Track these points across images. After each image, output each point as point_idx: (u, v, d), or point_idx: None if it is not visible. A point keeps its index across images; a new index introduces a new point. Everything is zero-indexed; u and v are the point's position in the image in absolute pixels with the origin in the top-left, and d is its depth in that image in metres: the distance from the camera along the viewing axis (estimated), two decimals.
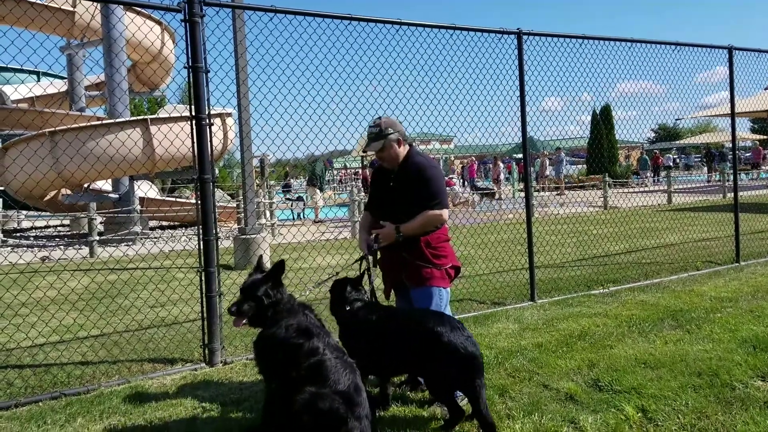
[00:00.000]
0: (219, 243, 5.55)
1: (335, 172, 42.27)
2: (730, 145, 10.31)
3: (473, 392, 3.62)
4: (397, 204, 4.43)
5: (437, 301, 4.37)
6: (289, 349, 3.52)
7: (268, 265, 4.03)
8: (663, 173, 31.04)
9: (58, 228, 19.85)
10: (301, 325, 3.61)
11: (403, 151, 4.44)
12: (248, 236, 10.66)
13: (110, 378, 4.99)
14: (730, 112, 9.46)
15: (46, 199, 16.61)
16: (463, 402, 3.88)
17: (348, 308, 4.11)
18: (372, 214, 4.69)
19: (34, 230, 19.44)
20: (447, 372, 3.67)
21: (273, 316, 3.64)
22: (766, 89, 16.39)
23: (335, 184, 36.09)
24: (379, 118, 4.45)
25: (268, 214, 16.88)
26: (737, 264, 8.89)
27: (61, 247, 14.19)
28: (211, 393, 4.56)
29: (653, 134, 62.23)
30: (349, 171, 44.16)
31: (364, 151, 4.55)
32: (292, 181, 26.69)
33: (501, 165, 25.52)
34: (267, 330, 3.64)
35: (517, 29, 7.00)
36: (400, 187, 4.43)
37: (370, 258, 4.46)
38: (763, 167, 34.99)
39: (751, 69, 9.32)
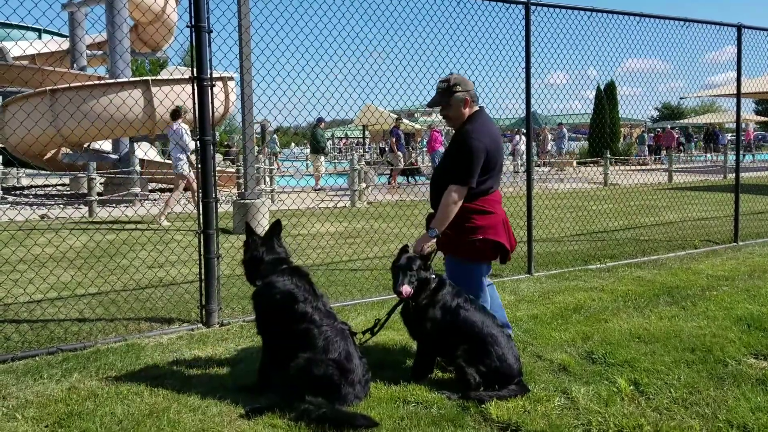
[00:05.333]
0: (218, 206, 5.54)
1: (336, 140, 41.88)
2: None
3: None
4: (443, 167, 4.31)
5: (452, 270, 4.31)
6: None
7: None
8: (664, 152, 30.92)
9: (58, 186, 19.80)
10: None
11: (467, 112, 4.22)
12: (247, 201, 10.63)
13: (107, 335, 5.01)
14: (735, 92, 9.37)
15: (45, 157, 16.55)
16: None
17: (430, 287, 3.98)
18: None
19: (33, 188, 19.38)
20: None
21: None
22: None
23: (336, 152, 35.69)
24: (451, 74, 4.29)
25: (267, 179, 16.83)
26: (735, 244, 8.90)
27: (60, 205, 14.16)
28: (207, 353, 4.59)
29: (656, 113, 61.83)
30: (349, 140, 43.82)
31: (429, 106, 4.44)
32: (294, 147, 26.08)
33: (517, 138, 25.10)
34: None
35: None
36: (449, 150, 4.38)
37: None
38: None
39: (760, 48, 9.22)
